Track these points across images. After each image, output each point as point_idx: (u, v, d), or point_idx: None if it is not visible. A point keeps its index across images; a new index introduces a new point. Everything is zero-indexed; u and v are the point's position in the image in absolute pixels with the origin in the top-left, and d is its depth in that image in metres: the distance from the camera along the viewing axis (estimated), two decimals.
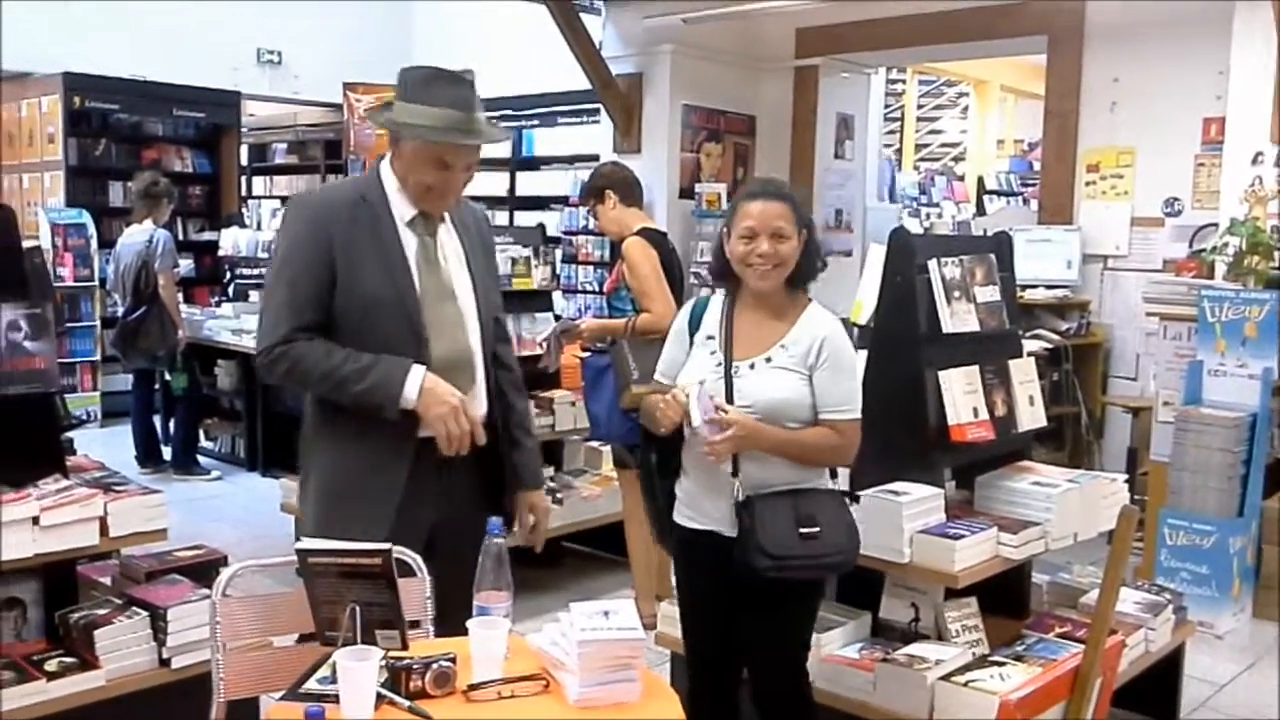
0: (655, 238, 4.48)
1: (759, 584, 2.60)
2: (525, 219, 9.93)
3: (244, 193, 11.60)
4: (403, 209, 2.59)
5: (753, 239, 2.67)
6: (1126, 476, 3.73)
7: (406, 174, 2.56)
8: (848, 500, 2.80)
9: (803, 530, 2.58)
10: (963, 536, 3.03)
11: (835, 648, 3.12)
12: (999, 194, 12.06)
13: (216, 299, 9.02)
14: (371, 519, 2.49)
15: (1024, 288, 6.43)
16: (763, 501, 2.60)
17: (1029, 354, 3.86)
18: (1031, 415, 3.49)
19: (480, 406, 2.64)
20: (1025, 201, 11.34)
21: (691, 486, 2.77)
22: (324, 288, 2.50)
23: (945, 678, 2.90)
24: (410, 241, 2.59)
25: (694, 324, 2.82)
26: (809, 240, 2.74)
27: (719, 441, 2.56)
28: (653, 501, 2.89)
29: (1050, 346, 6.31)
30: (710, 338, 2.77)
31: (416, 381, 2.47)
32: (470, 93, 2.52)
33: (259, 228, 9.62)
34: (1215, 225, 5.64)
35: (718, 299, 2.84)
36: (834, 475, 2.83)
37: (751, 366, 2.69)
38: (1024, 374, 3.50)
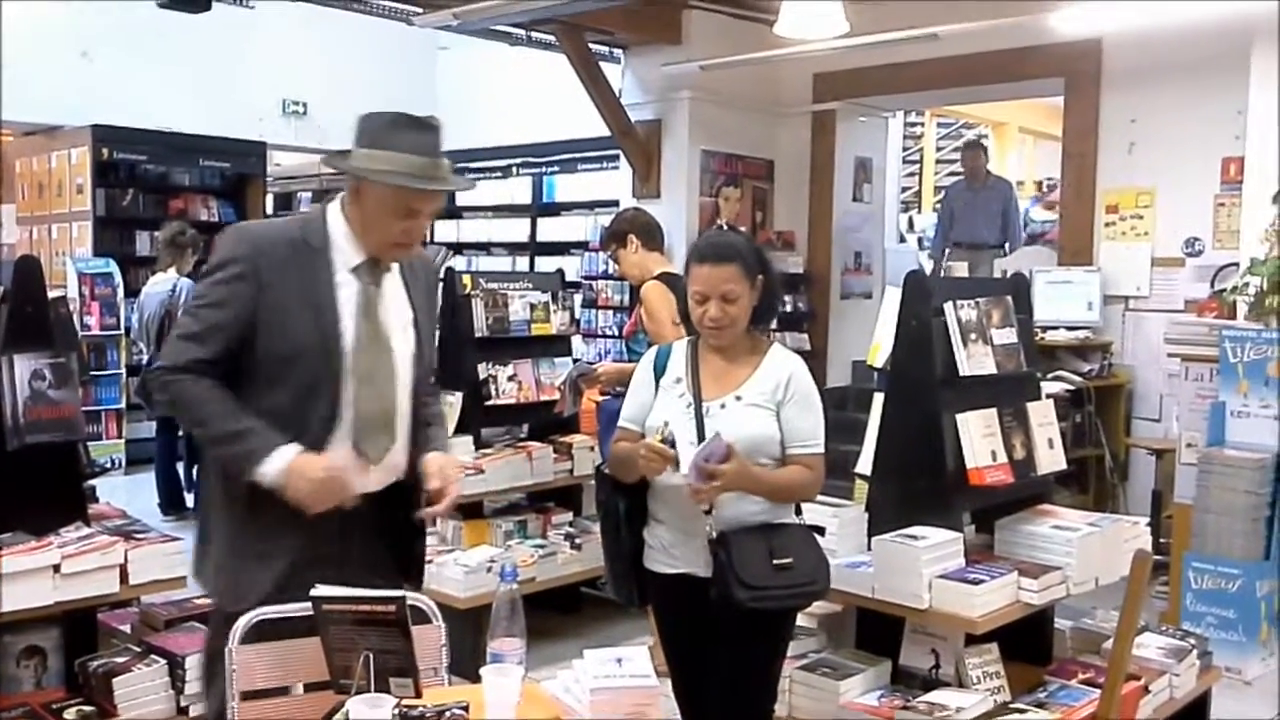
0: (675, 282, 4.49)
1: (735, 618, 2.64)
2: (546, 264, 9.99)
3: None
4: (349, 254, 2.49)
5: (704, 302, 2.74)
6: (1150, 520, 3.69)
7: (370, 223, 2.46)
8: (814, 534, 2.84)
9: (776, 561, 2.64)
10: (982, 581, 3.00)
11: (855, 695, 3.08)
12: None
13: None
14: (262, 582, 2.43)
15: (1045, 329, 6.42)
16: (736, 537, 2.65)
17: (1049, 396, 3.84)
18: (1051, 458, 3.47)
19: (398, 465, 2.57)
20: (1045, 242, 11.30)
21: (664, 532, 2.80)
22: (240, 326, 2.41)
23: None
24: (350, 289, 2.49)
25: (659, 369, 2.87)
26: (768, 285, 2.80)
27: (708, 490, 2.57)
28: (617, 550, 2.88)
29: (1072, 388, 6.28)
30: (678, 380, 2.81)
31: (278, 465, 2.36)
32: (437, 138, 2.46)
33: None
34: (1236, 265, 5.62)
35: (680, 345, 2.91)
36: (798, 511, 2.88)
37: (722, 406, 2.73)
38: (1043, 416, 3.49)
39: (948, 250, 8.72)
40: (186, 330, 2.46)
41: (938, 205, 13.96)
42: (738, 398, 2.74)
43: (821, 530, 2.91)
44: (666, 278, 4.53)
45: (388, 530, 2.58)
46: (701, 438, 2.66)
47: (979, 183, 8.79)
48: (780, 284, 2.95)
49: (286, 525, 2.40)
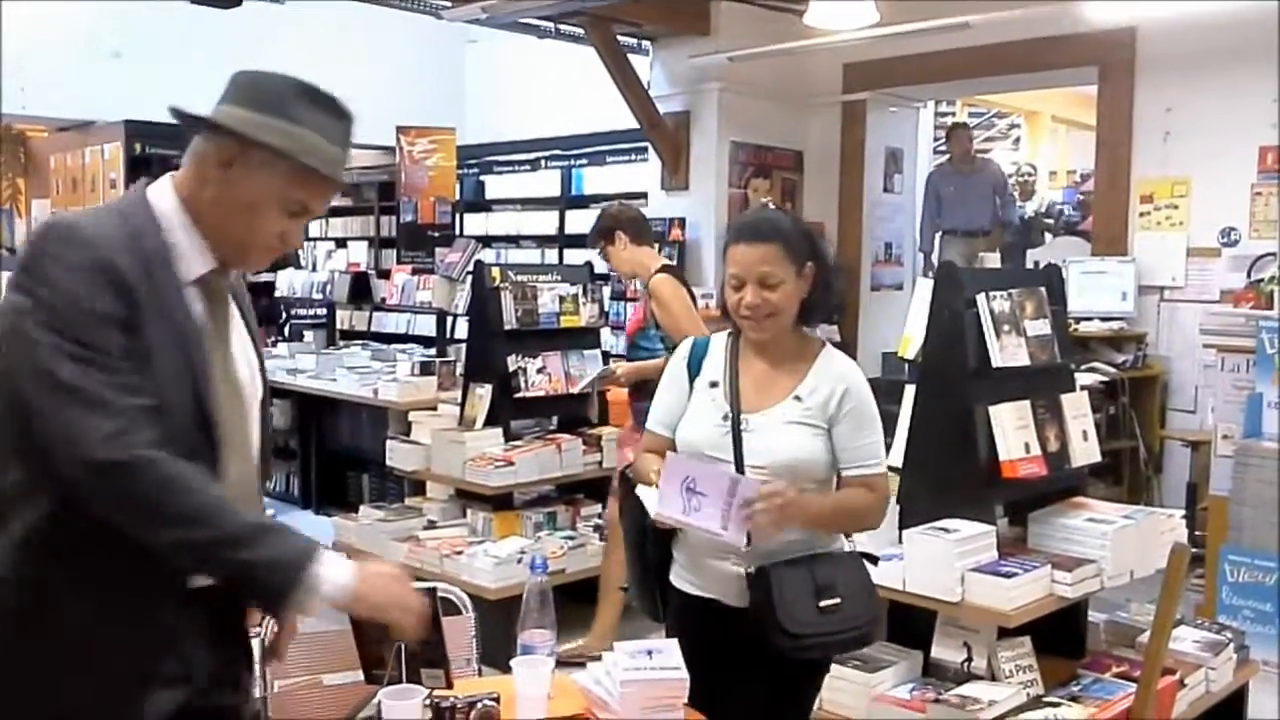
0: (680, 274, 4.53)
1: (767, 658, 2.36)
2: (574, 256, 10.00)
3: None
4: (193, 263, 1.75)
5: (740, 287, 2.41)
6: (1186, 512, 3.65)
7: (237, 213, 1.75)
8: (866, 562, 2.53)
9: (822, 603, 2.32)
10: (1015, 575, 2.97)
11: (886, 688, 3.06)
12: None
13: (272, 339, 9.15)
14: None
15: (1079, 320, 6.37)
16: (777, 572, 2.31)
17: (1083, 387, 3.81)
18: (1085, 450, 3.43)
19: None
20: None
21: (692, 551, 2.48)
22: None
23: (998, 719, 2.85)
24: (196, 312, 1.76)
25: (694, 367, 2.53)
26: (820, 274, 2.46)
27: (772, 522, 2.23)
28: (642, 563, 2.59)
29: (1106, 379, 6.22)
30: (714, 385, 2.48)
31: (342, 573, 1.69)
32: (350, 130, 1.86)
33: (314, 269, 9.77)
34: (1273, 255, 5.55)
35: (720, 339, 2.55)
36: (848, 535, 2.63)
37: (763, 420, 2.41)
38: (1077, 408, 3.45)
39: (939, 238, 8.53)
40: (100, 387, 1.59)
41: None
42: (781, 413, 2.41)
43: (875, 559, 2.59)
44: (671, 270, 4.54)
45: (221, 638, 1.84)
46: (739, 456, 2.36)
47: (968, 165, 8.55)
48: (836, 276, 2.56)
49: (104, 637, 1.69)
